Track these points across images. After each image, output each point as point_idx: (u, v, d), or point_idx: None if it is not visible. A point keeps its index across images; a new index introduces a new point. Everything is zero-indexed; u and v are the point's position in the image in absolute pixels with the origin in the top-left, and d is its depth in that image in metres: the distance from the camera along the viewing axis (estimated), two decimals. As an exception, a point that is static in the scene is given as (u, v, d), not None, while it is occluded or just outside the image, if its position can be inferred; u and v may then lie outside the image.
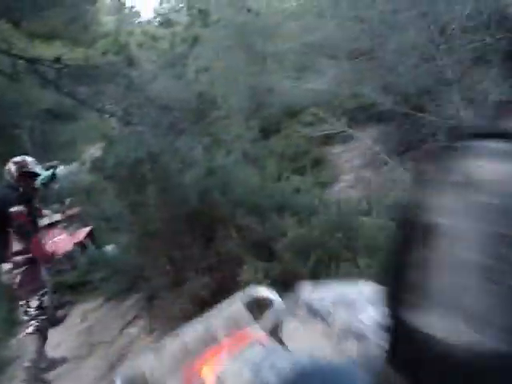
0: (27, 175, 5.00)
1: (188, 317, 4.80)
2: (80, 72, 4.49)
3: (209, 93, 4.96)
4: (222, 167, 5.22)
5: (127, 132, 5.52)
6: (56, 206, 8.16)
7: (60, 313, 7.93)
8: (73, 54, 4.33)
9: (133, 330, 5.44)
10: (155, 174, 5.26)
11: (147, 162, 5.32)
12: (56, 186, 8.09)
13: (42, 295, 5.25)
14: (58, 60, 4.26)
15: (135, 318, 5.66)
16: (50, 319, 7.60)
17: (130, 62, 4.42)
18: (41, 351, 5.23)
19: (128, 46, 4.48)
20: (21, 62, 4.36)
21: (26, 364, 5.13)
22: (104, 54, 4.42)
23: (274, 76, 10.89)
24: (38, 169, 5.07)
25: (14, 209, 4.93)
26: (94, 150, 15.27)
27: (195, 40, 4.82)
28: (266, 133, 10.46)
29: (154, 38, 4.76)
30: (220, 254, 4.70)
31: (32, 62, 4.24)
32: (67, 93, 4.72)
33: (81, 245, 8.04)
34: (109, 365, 5.12)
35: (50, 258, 5.78)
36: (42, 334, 5.23)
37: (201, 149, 5.25)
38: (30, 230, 5.07)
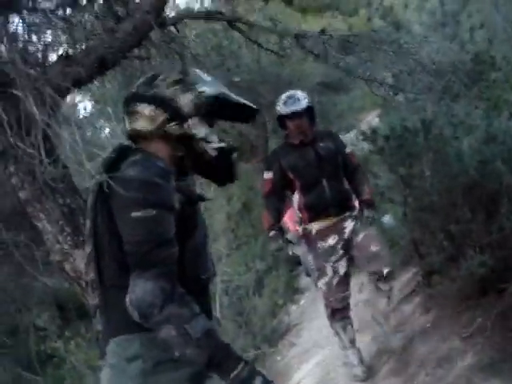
0: None
1: (467, 297, 4.42)
2: (344, 42, 4.35)
3: (485, 52, 4.43)
4: (504, 132, 4.67)
5: (399, 100, 5.27)
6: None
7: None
8: (337, 25, 4.21)
9: (407, 308, 5.20)
10: (429, 143, 4.93)
11: (421, 130, 5.02)
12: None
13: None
14: (323, 32, 4.17)
15: (411, 294, 5.42)
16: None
17: (397, 26, 4.15)
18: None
19: (393, 9, 4.21)
20: (287, 38, 4.37)
21: None
22: (369, 19, 4.21)
23: None
24: None
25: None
26: (371, 118, 15.32)
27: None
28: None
29: (423, -3, 4.39)
30: (503, 230, 4.21)
31: (296, 37, 4.21)
32: (334, 64, 4.62)
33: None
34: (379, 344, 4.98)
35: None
36: None
37: (479, 113, 4.75)
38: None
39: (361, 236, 4.53)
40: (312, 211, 4.57)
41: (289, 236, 10.90)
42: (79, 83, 3.15)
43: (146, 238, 1.78)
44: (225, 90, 2.13)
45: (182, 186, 1.98)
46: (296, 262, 10.49)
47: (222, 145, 2.08)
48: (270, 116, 14.69)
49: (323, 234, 4.54)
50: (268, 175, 4.62)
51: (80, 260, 3.04)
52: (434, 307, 4.80)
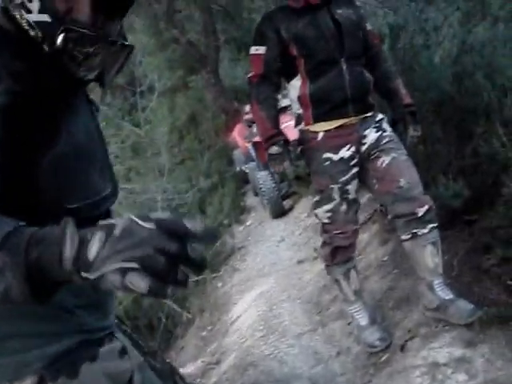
0: None
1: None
2: None
3: None
4: (483, 42, 4.05)
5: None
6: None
7: (286, 203, 7.60)
8: None
9: (363, 236, 4.67)
10: (398, 52, 4.31)
11: (388, 37, 4.38)
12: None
13: None
14: None
15: (368, 221, 4.90)
16: (276, 208, 7.32)
17: None
18: None
19: None
20: None
21: None
22: None
23: None
24: None
25: None
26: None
27: None
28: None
29: None
30: (478, 155, 3.65)
31: None
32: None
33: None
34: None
35: None
36: None
37: (455, 19, 4.11)
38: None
39: (387, 160, 3.13)
40: (321, 105, 3.09)
41: (237, 153, 10.34)
42: None
43: None
44: None
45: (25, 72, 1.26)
46: (243, 179, 9.94)
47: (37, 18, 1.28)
48: (221, 23, 13.72)
49: (334, 142, 3.09)
50: (258, 51, 3.15)
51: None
52: (391, 239, 4.28)
